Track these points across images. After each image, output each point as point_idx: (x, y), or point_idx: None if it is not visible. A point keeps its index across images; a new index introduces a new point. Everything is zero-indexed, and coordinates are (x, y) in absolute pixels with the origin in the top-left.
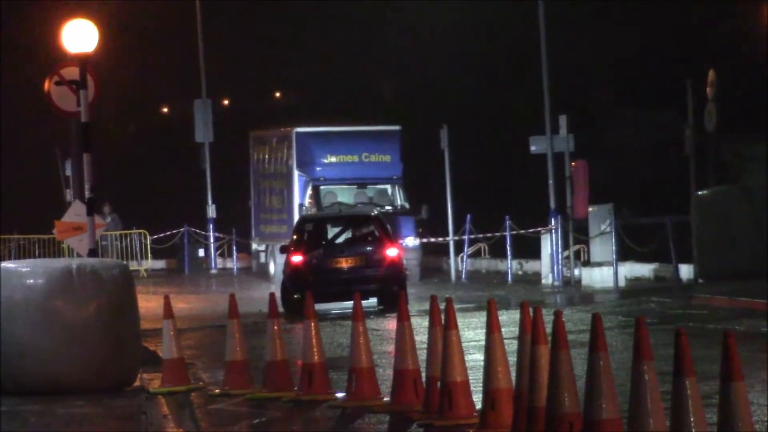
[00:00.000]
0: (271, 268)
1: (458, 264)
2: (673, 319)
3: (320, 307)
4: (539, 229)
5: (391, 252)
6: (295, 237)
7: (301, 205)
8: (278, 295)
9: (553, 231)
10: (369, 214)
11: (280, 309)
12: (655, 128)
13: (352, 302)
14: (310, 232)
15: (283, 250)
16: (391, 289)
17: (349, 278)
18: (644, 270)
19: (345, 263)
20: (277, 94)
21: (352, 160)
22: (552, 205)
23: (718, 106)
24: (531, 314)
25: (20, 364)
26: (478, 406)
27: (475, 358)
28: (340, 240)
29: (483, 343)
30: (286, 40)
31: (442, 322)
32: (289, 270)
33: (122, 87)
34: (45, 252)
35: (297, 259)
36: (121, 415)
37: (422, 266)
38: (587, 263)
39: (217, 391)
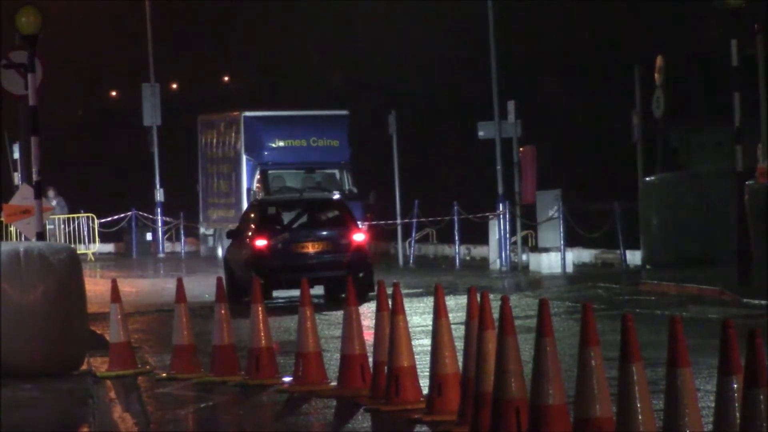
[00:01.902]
0: (219, 253)
1: (406, 249)
2: (621, 304)
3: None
4: (487, 214)
5: (358, 237)
6: (255, 221)
7: (248, 190)
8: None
9: (501, 216)
10: (332, 197)
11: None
12: (605, 114)
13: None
14: (271, 216)
15: (231, 234)
16: (357, 275)
17: (315, 263)
18: (592, 256)
19: (311, 248)
20: (226, 79)
21: (300, 144)
22: (500, 190)
23: (667, 93)
24: (478, 299)
25: None
26: (425, 391)
27: (422, 343)
28: (305, 225)
29: (430, 328)
30: (235, 24)
31: (390, 307)
32: (252, 255)
33: (71, 70)
34: None
35: (261, 243)
36: (68, 398)
37: (370, 251)
38: (535, 249)
39: (164, 375)
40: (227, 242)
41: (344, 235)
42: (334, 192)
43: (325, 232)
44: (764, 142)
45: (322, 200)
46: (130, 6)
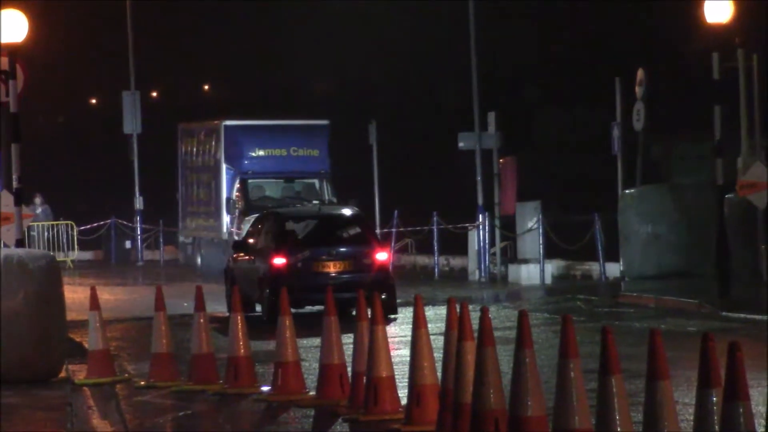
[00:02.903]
0: (198, 261)
1: None
2: (600, 317)
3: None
4: (467, 225)
5: (381, 256)
6: (272, 235)
7: (228, 199)
8: (207, 290)
9: (481, 227)
10: (352, 212)
11: (212, 305)
12: (586, 126)
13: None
14: (289, 231)
15: (237, 246)
16: (378, 298)
17: (336, 284)
18: (571, 267)
19: (332, 267)
20: (206, 87)
21: (280, 153)
22: (480, 201)
23: (647, 105)
24: (457, 310)
25: None
26: (404, 401)
27: (401, 353)
28: (325, 242)
29: (409, 338)
30: (216, 33)
31: (369, 317)
32: (269, 272)
33: (51, 77)
34: None
35: (279, 261)
36: (47, 405)
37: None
38: (514, 260)
39: (142, 383)
40: (207, 251)
41: (367, 254)
42: (314, 201)
43: (347, 251)
44: (744, 155)
45: (343, 215)
46: (112, 13)
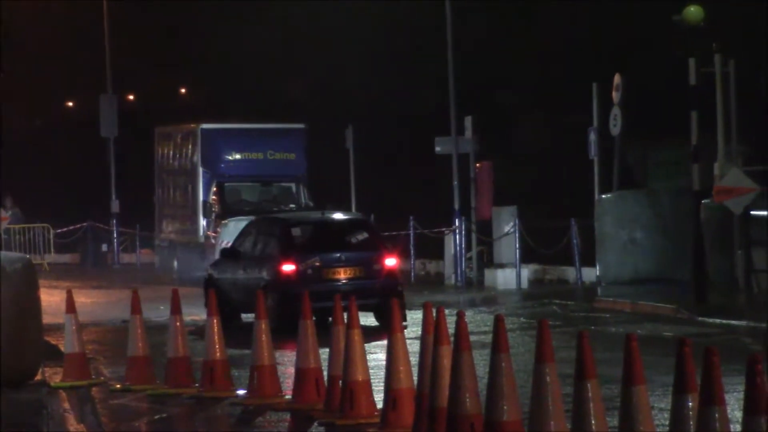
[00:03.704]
0: (175, 264)
1: None
2: (576, 321)
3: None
4: (443, 229)
5: (390, 261)
6: (278, 241)
7: (205, 202)
8: (183, 293)
9: (457, 232)
10: (359, 217)
11: (188, 309)
12: (562, 131)
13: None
14: (295, 237)
15: (225, 253)
16: (387, 304)
17: (347, 291)
18: (547, 272)
19: (343, 274)
20: (183, 91)
21: (257, 157)
22: (456, 205)
23: (624, 110)
24: (434, 315)
25: None
26: (380, 405)
27: (377, 357)
28: (335, 248)
29: (385, 342)
30: (192, 36)
31: (345, 321)
32: (276, 279)
33: (28, 81)
34: None
35: (288, 268)
36: (22, 408)
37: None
38: (490, 264)
39: (118, 386)
40: (184, 255)
41: (376, 260)
42: (290, 205)
43: (357, 257)
44: (721, 161)
45: (350, 221)
46: (88, 16)
